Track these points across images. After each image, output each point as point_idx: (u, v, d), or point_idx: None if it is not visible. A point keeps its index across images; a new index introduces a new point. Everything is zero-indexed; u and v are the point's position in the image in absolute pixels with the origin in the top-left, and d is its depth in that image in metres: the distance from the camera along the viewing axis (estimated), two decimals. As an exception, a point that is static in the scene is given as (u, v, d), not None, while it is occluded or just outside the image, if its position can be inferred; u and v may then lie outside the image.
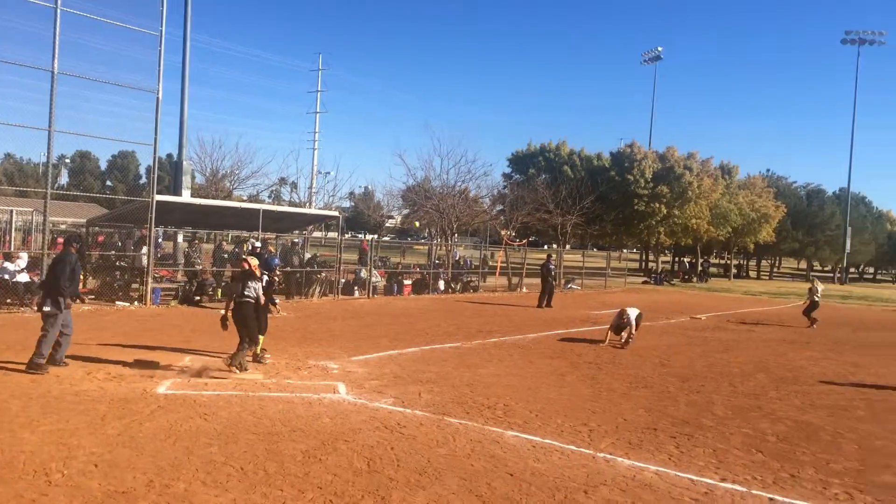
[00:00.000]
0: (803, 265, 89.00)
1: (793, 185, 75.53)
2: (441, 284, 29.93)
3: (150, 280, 18.96)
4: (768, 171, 75.70)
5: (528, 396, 10.10)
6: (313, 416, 8.36)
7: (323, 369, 11.31)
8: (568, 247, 55.70)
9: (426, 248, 42.54)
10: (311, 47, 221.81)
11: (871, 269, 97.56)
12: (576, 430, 8.41)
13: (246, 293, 10.68)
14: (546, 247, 58.22)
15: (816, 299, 23.12)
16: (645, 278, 53.36)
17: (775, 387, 11.92)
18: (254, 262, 11.31)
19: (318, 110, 75.91)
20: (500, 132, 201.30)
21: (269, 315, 12.28)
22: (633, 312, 15.80)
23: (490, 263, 37.96)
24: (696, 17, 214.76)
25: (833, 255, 73.76)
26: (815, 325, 22.41)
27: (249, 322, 10.56)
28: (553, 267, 27.11)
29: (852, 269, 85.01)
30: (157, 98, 18.50)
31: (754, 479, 6.94)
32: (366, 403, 9.13)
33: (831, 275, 77.71)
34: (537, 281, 27.05)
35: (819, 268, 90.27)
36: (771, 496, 6.46)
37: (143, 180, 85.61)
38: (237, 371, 10.24)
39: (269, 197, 65.30)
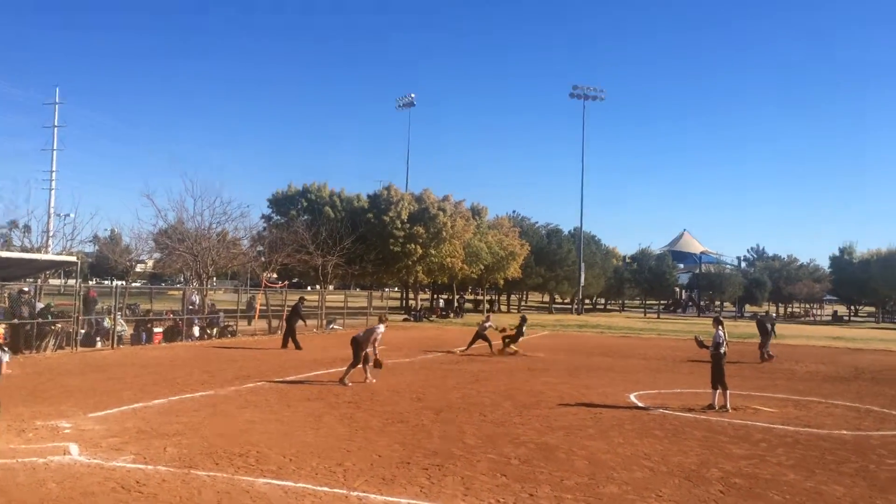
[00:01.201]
0: (546, 298, 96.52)
1: (535, 225, 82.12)
2: (196, 330, 28.43)
3: None
4: (514, 212, 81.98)
5: (284, 441, 9.88)
6: (37, 482, 7.49)
7: (52, 430, 10.19)
8: (331, 287, 55.65)
9: (180, 293, 40.15)
10: (41, 78, 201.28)
11: (602, 301, 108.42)
12: (331, 470, 8.36)
13: None
14: (309, 288, 57.70)
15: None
16: (405, 315, 54.82)
17: (519, 412, 12.77)
18: None
19: (55, 147, 68.99)
20: (259, 174, 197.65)
21: None
22: (360, 335, 16.16)
23: (254, 306, 36.77)
24: (442, 66, 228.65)
25: (571, 288, 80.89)
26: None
27: None
28: (302, 308, 26.99)
29: (587, 301, 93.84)
30: None
31: (497, 501, 7.35)
32: (101, 463, 8.36)
33: (570, 306, 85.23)
34: (298, 324, 26.66)
35: (560, 300, 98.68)
36: (511, 516, 6.88)
37: None
38: None
39: (-2, 242, 57.98)
